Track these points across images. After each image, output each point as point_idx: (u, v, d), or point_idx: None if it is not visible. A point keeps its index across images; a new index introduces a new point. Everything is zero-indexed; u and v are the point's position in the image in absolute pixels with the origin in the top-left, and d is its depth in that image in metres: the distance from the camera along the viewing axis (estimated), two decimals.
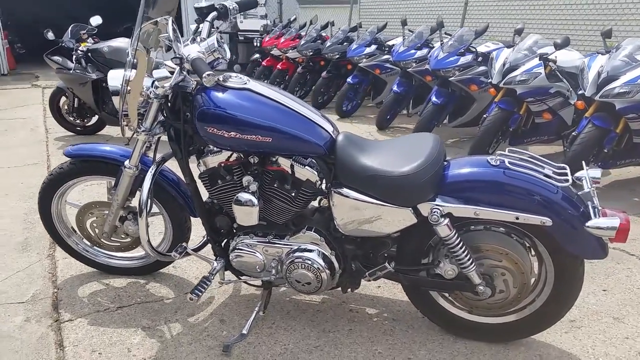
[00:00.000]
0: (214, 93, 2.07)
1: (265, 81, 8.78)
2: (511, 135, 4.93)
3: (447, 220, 1.97)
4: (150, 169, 2.28)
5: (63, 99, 5.83)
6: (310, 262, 2.15)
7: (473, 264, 2.04)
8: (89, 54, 5.38)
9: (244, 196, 2.15)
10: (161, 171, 2.50)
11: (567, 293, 2.08)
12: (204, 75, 1.86)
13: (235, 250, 2.28)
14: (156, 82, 2.10)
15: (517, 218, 1.92)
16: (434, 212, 1.97)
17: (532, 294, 2.19)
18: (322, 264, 2.16)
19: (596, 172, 2.07)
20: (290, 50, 8.07)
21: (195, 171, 2.28)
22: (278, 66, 8.37)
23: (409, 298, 2.34)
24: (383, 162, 2.03)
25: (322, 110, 7.56)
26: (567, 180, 1.92)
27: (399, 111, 6.41)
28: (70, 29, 5.69)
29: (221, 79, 2.12)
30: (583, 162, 2.07)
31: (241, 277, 2.42)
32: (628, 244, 3.31)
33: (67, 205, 2.72)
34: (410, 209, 2.02)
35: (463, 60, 5.26)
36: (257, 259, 2.26)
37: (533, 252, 2.11)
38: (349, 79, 6.78)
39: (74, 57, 5.38)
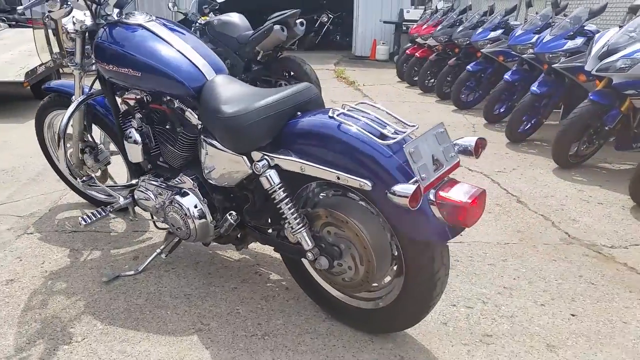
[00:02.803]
0: (109, 29, 2.17)
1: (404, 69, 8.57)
2: (616, 136, 4.06)
3: (271, 172, 1.77)
4: (77, 99, 2.45)
5: None
6: (179, 206, 2.12)
7: (301, 226, 1.80)
8: (205, 27, 5.89)
9: (129, 132, 2.22)
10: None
11: (415, 284, 1.71)
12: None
13: (137, 190, 2.36)
14: (73, 18, 2.27)
15: (339, 178, 1.64)
16: (261, 160, 1.78)
17: (397, 280, 1.84)
18: (191, 210, 2.11)
19: (470, 141, 1.66)
20: (431, 38, 7.73)
21: None
22: (416, 54, 8.10)
23: (282, 259, 2.16)
24: (229, 105, 1.89)
25: (446, 101, 7.13)
26: (394, 139, 1.58)
27: (513, 102, 5.69)
28: (194, 2, 6.28)
29: (123, 16, 2.20)
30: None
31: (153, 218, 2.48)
32: None
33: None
34: (243, 156, 1.86)
35: (571, 44, 4.46)
36: (150, 199, 2.30)
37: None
38: (468, 66, 6.21)
39: (192, 29, 5.93)
